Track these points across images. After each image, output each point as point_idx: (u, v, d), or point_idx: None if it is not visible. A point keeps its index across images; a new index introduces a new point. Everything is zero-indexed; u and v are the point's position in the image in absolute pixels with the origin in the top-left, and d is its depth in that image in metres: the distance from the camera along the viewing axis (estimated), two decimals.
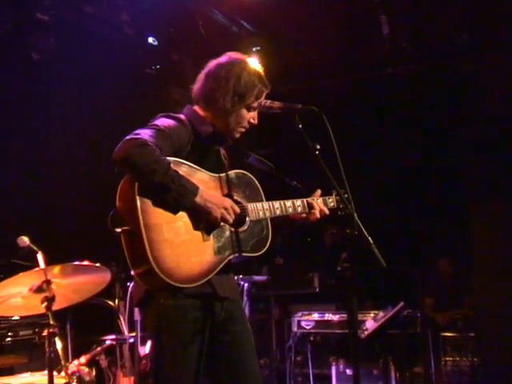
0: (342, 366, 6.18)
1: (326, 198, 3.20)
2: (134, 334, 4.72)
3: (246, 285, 5.78)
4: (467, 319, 6.90)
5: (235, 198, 2.90)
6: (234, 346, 2.88)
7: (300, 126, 2.81)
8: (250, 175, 3.02)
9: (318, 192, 3.17)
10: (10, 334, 4.65)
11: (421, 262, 7.67)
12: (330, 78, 7.88)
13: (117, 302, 4.90)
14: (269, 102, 2.98)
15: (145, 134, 2.68)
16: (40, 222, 5.56)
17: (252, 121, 2.99)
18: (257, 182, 3.03)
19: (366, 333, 5.78)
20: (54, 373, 3.50)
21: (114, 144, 2.68)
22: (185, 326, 2.73)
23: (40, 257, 3.68)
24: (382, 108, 7.89)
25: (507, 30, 6.45)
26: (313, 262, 7.28)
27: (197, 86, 3.00)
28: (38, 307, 3.52)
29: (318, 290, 6.95)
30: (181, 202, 2.66)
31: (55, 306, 3.50)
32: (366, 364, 5.92)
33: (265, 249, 2.96)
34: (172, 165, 2.67)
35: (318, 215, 3.11)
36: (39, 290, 3.54)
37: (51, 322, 3.42)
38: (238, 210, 2.82)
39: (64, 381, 3.74)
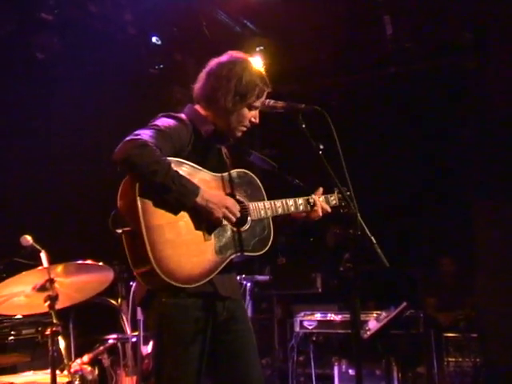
0: (344, 366, 6.17)
1: (328, 195, 3.20)
2: (136, 334, 4.73)
3: (249, 284, 5.78)
4: (470, 319, 6.88)
5: (237, 197, 2.90)
6: (235, 345, 2.88)
7: (303, 126, 2.81)
8: (251, 174, 3.02)
9: (320, 190, 3.17)
10: (12, 332, 4.66)
11: (423, 262, 7.65)
12: (334, 78, 7.89)
13: (119, 301, 4.91)
14: (272, 101, 2.98)
15: (145, 134, 2.68)
16: (43, 221, 5.57)
17: (253, 120, 2.99)
18: (258, 181, 3.03)
19: (368, 333, 5.78)
20: (57, 371, 3.50)
21: (116, 143, 2.68)
22: (186, 326, 2.73)
23: (43, 256, 3.69)
24: (385, 108, 7.88)
25: (510, 29, 6.43)
26: (315, 262, 7.28)
27: (198, 85, 3.00)
28: (41, 306, 3.52)
29: (320, 290, 6.95)
30: (182, 202, 2.66)
31: (58, 305, 3.51)
32: (369, 364, 5.91)
33: (266, 248, 2.96)
34: (173, 165, 2.67)
35: (320, 213, 3.11)
36: (42, 288, 3.55)
37: (54, 321, 3.42)
38: (239, 209, 2.82)
39: (67, 380, 3.74)
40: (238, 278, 5.16)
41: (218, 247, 2.78)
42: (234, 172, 2.95)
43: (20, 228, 3.95)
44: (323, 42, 6.93)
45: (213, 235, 2.78)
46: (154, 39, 6.48)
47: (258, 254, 2.94)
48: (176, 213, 2.69)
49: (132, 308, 4.73)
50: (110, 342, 4.86)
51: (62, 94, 6.07)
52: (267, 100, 2.99)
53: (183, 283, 2.66)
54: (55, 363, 3.41)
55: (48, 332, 3.42)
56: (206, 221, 2.74)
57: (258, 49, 6.68)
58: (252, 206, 2.93)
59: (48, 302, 3.46)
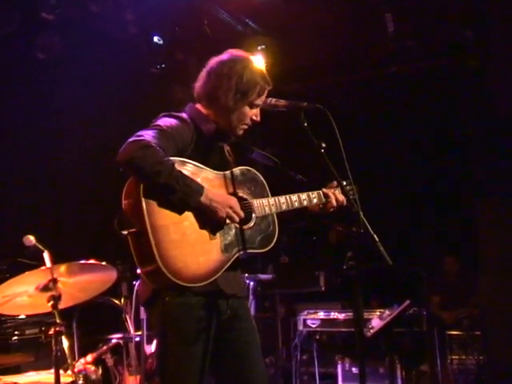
0: (347, 365, 6.18)
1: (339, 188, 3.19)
2: (140, 333, 4.73)
3: (252, 283, 5.78)
4: (473, 317, 6.88)
5: (241, 194, 2.90)
6: (239, 344, 2.88)
7: (305, 124, 2.81)
8: (254, 171, 3.01)
9: (334, 183, 3.17)
10: (16, 332, 4.67)
11: (427, 260, 7.64)
12: (335, 76, 7.88)
13: (123, 300, 4.90)
14: (274, 100, 2.98)
15: (147, 135, 2.68)
16: (46, 221, 5.59)
17: (254, 118, 2.98)
18: (262, 178, 3.03)
19: (371, 331, 5.77)
20: (61, 371, 3.50)
21: (118, 143, 2.68)
22: (190, 325, 2.73)
23: (46, 256, 3.69)
24: (386, 106, 7.87)
25: None
26: (318, 261, 7.27)
27: (199, 84, 2.99)
28: (44, 306, 3.53)
29: (323, 288, 6.94)
30: (186, 202, 2.66)
31: (61, 305, 3.51)
32: (372, 362, 5.91)
33: (272, 244, 2.95)
34: (176, 165, 2.67)
35: (334, 203, 3.12)
36: (45, 288, 3.55)
37: (57, 321, 3.42)
38: (242, 208, 2.82)
39: (70, 379, 3.75)
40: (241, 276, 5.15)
41: (223, 245, 2.78)
42: (237, 170, 2.95)
43: (23, 228, 3.95)
44: (325, 40, 6.93)
45: (218, 234, 2.78)
46: (155, 39, 6.48)
47: (263, 250, 2.93)
48: (180, 213, 2.69)
49: (135, 307, 4.73)
50: (114, 341, 4.86)
51: (63, 93, 6.08)
52: (269, 98, 2.98)
53: (189, 282, 2.67)
54: (59, 363, 3.42)
55: (51, 332, 3.43)
56: (210, 220, 2.74)
57: (259, 48, 6.68)
58: (256, 202, 2.93)
59: (51, 302, 3.46)
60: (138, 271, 2.74)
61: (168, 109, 2.95)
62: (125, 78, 6.25)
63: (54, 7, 5.62)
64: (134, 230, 2.67)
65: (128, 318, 4.84)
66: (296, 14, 6.44)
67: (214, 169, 2.87)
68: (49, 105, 6.03)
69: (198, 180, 2.73)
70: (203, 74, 2.99)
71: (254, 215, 2.91)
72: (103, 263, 3.83)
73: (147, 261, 2.64)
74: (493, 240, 6.66)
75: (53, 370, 3.40)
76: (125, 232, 2.68)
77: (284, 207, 3.01)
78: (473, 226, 6.92)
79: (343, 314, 6.29)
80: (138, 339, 4.81)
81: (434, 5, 6.46)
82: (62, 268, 3.61)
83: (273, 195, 3.01)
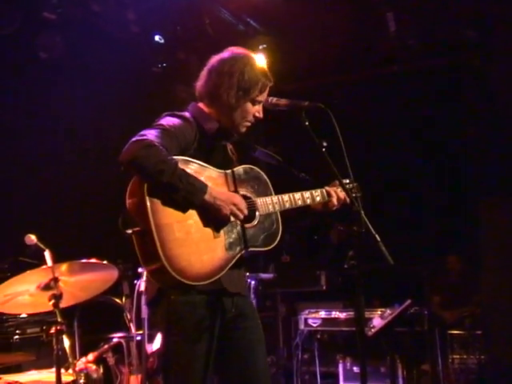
0: (349, 364, 6.18)
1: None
2: (141, 332, 4.72)
3: (253, 282, 5.77)
4: (475, 317, 6.88)
5: (244, 193, 2.90)
6: (244, 342, 2.88)
7: (307, 123, 2.81)
8: (257, 169, 3.02)
9: (337, 182, 3.17)
10: (17, 331, 4.68)
11: (428, 260, 7.64)
12: (337, 75, 7.88)
13: (124, 299, 4.91)
14: (275, 99, 2.98)
15: (150, 134, 2.68)
16: (47, 220, 5.58)
17: (257, 115, 2.98)
18: (265, 176, 3.03)
19: (373, 330, 5.77)
20: (62, 370, 3.50)
21: (120, 142, 2.69)
22: (194, 323, 2.74)
23: (47, 255, 3.69)
24: (388, 105, 7.87)
25: None
26: (320, 260, 7.28)
27: (200, 83, 3.00)
28: (45, 305, 3.52)
29: (324, 287, 6.94)
30: (190, 200, 2.67)
31: (63, 304, 3.51)
32: (373, 362, 5.92)
33: (275, 242, 2.96)
34: (179, 163, 2.67)
35: (335, 202, 3.13)
36: (47, 287, 3.55)
37: (59, 320, 3.42)
38: (246, 206, 2.82)
39: (71, 378, 3.75)
40: None
41: (227, 244, 2.79)
42: (240, 168, 2.95)
43: (24, 227, 3.95)
44: (326, 39, 6.93)
45: (222, 232, 2.78)
46: (156, 38, 6.48)
47: (266, 248, 2.93)
48: (184, 211, 2.69)
49: (136, 306, 4.73)
50: (115, 340, 4.86)
51: (65, 93, 6.08)
52: (270, 97, 2.99)
53: (194, 281, 2.67)
54: (60, 362, 3.41)
55: (53, 331, 3.42)
56: (214, 218, 2.74)
57: (261, 47, 6.68)
58: (260, 201, 2.93)
59: (52, 301, 3.46)
60: (140, 270, 2.75)
61: (170, 108, 2.95)
62: (126, 77, 6.24)
63: (56, 7, 5.63)
64: (138, 228, 2.67)
65: (129, 316, 4.84)
66: (297, 13, 6.43)
67: (217, 167, 2.87)
68: (50, 104, 6.03)
69: (202, 179, 2.74)
70: (204, 72, 2.99)
71: (257, 213, 2.91)
72: (104, 262, 3.83)
73: (152, 259, 2.64)
74: (495, 239, 6.65)
75: (54, 369, 3.40)
76: (129, 231, 2.69)
77: (287, 205, 3.01)
78: (475, 225, 6.92)
79: (344, 314, 6.30)
80: (139, 338, 4.81)
81: (436, 4, 6.46)
82: (64, 267, 3.61)
83: (276, 193, 3.01)
